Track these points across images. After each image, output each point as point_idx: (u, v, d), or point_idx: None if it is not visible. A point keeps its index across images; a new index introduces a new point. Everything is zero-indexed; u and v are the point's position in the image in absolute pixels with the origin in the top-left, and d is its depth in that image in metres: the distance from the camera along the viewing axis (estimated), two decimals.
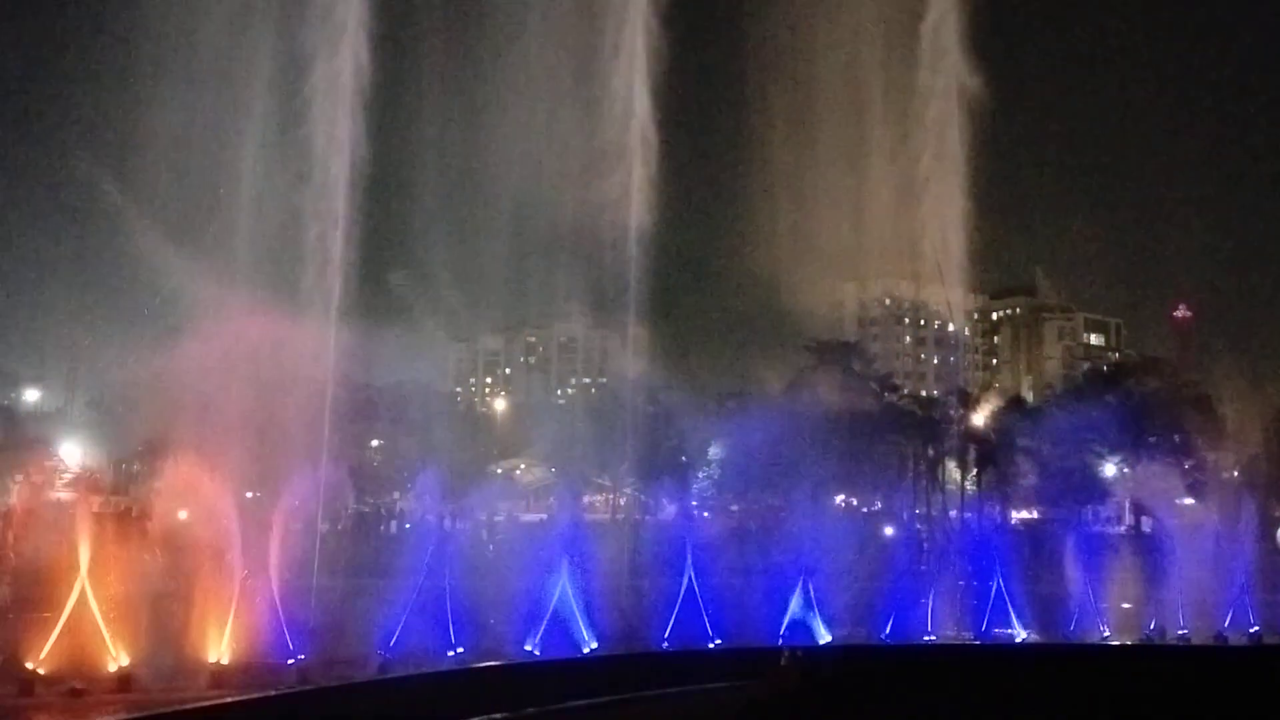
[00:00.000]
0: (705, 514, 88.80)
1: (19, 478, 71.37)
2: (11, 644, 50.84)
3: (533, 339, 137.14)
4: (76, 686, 48.69)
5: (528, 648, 57.99)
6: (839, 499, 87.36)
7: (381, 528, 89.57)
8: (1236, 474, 79.55)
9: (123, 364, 61.94)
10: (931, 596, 70.56)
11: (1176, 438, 78.07)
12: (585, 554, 60.87)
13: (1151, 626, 71.21)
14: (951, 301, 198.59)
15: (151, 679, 50.22)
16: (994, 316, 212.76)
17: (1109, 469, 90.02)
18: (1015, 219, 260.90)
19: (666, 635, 58.45)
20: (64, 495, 77.48)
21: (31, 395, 67.22)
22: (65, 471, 78.70)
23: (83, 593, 50.74)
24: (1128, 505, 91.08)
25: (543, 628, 56.79)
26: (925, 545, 79.63)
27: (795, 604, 62.81)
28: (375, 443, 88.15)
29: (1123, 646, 67.32)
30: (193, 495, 59.34)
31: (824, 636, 63.55)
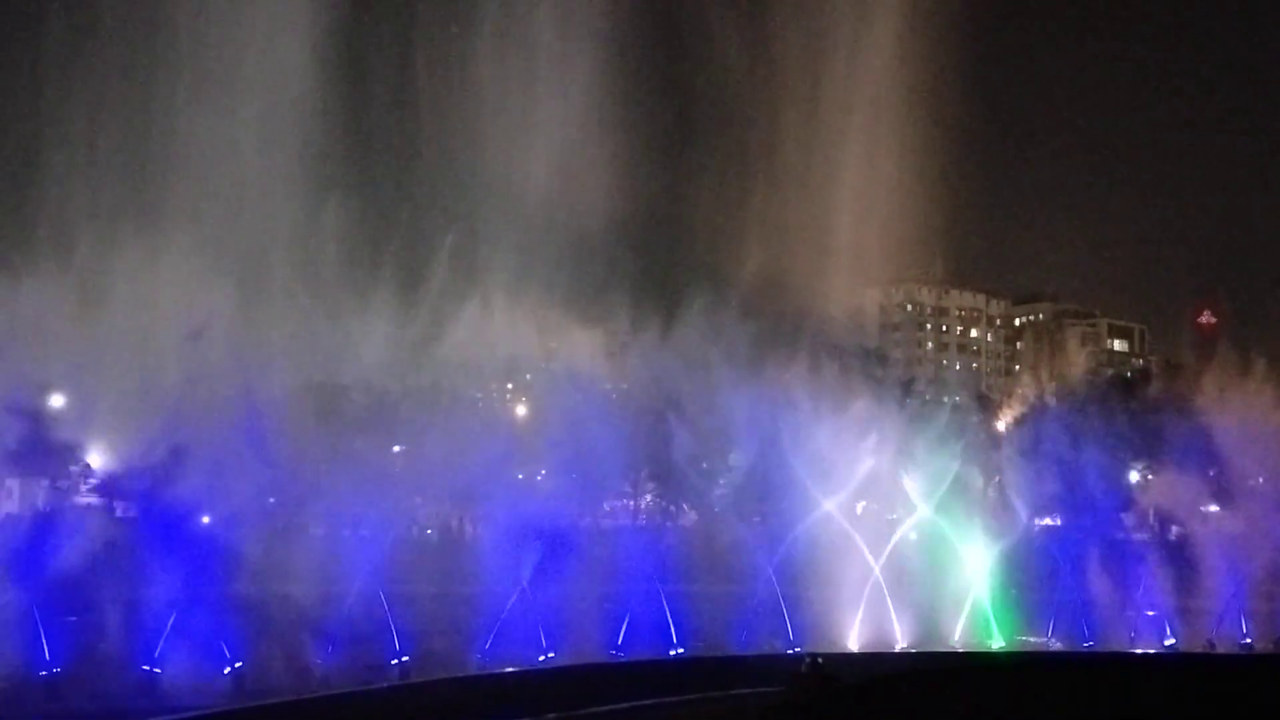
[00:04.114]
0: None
1: (45, 483, 71.85)
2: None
3: (554, 344, 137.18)
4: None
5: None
6: (860, 505, 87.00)
7: (404, 533, 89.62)
8: (1262, 480, 78.83)
9: (147, 368, 62.23)
10: (953, 603, 70.40)
11: (1201, 444, 77.33)
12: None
13: (1174, 635, 70.81)
14: (973, 306, 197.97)
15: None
16: (1016, 322, 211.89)
17: (1133, 476, 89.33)
18: (1039, 226, 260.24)
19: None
20: (88, 500, 77.94)
21: (57, 400, 67.55)
22: (91, 477, 79.12)
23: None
24: (1152, 512, 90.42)
25: None
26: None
27: None
28: (397, 448, 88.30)
29: (1147, 654, 66.89)
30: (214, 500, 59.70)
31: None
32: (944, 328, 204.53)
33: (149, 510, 59.63)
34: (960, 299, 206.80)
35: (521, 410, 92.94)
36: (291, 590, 58.37)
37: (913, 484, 73.36)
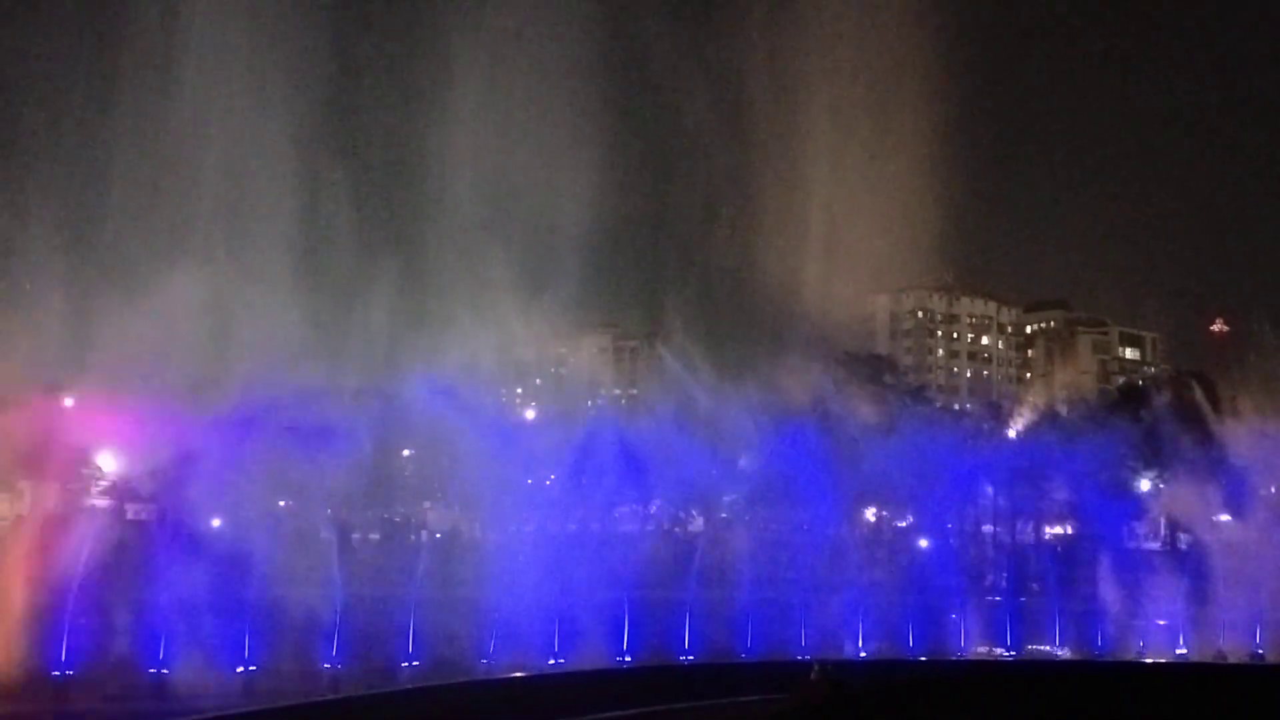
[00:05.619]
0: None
1: (56, 485, 71.99)
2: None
3: (564, 349, 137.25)
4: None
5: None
6: (870, 513, 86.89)
7: (411, 537, 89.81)
8: (1275, 490, 78.52)
9: (158, 370, 62.43)
10: (963, 611, 70.25)
11: (1213, 453, 77.08)
12: None
13: (1185, 644, 70.55)
14: (984, 314, 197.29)
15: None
16: (1028, 330, 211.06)
17: (1144, 484, 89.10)
18: (1050, 233, 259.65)
19: None
20: (99, 502, 78.16)
21: (67, 401, 67.81)
22: (101, 479, 79.40)
23: None
24: (1163, 521, 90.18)
25: None
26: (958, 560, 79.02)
27: None
28: (406, 452, 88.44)
29: (1157, 664, 66.62)
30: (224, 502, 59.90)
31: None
32: (954, 335, 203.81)
33: (164, 513, 59.88)
34: (971, 306, 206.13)
35: (530, 415, 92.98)
36: (301, 593, 58.42)
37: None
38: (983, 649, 69.31)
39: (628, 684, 48.94)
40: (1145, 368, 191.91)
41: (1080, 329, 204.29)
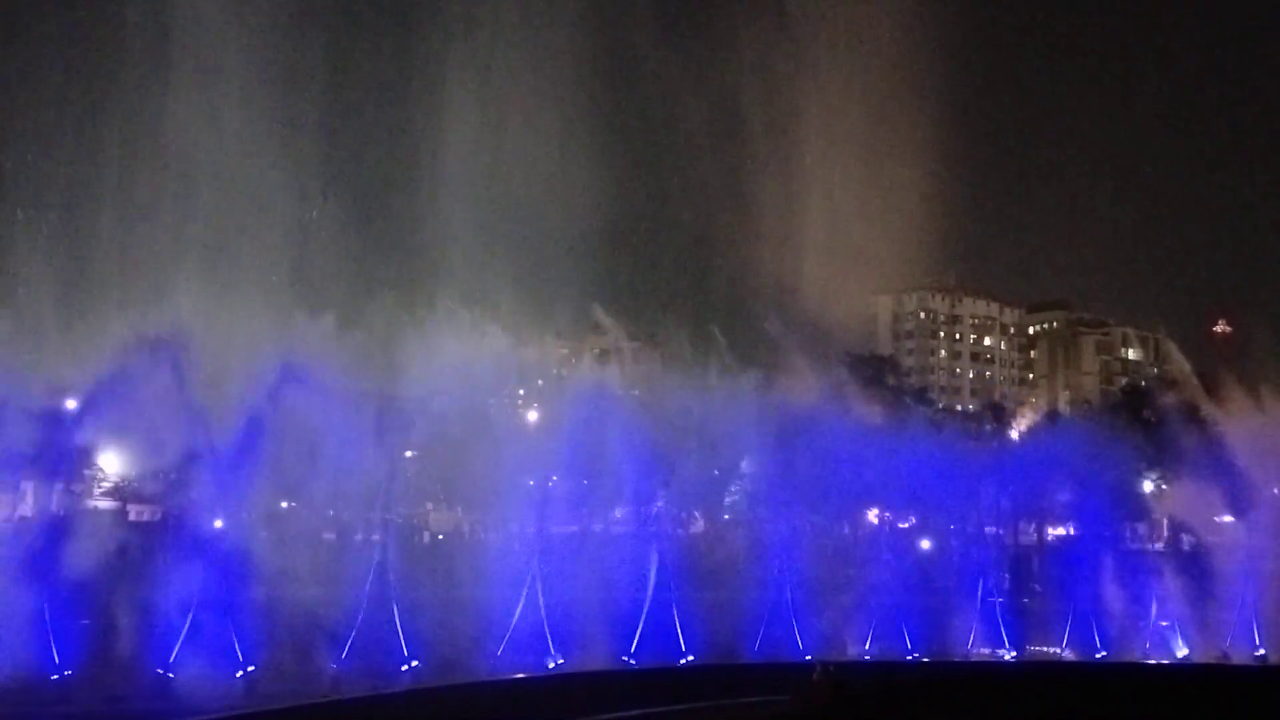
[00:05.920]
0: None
1: (58, 486, 72.06)
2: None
3: (565, 350, 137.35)
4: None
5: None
6: (872, 513, 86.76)
7: (415, 538, 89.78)
8: (1277, 491, 78.38)
9: (162, 370, 62.47)
10: (966, 612, 70.19)
11: (1216, 454, 76.96)
12: None
13: (1188, 646, 70.46)
14: (987, 314, 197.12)
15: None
16: (1031, 330, 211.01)
17: (1146, 485, 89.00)
18: (1053, 233, 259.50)
19: None
20: (102, 504, 78.26)
21: (72, 402, 67.88)
22: (104, 480, 79.47)
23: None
24: (1165, 523, 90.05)
25: None
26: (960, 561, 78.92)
27: None
28: (409, 454, 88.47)
29: (1159, 665, 66.60)
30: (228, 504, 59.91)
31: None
32: (957, 335, 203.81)
33: (167, 514, 59.86)
34: (974, 307, 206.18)
35: (533, 416, 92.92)
36: (303, 594, 58.45)
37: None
38: (985, 650, 69.23)
39: (629, 685, 48.97)
40: (1149, 368, 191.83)
41: (1083, 330, 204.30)
